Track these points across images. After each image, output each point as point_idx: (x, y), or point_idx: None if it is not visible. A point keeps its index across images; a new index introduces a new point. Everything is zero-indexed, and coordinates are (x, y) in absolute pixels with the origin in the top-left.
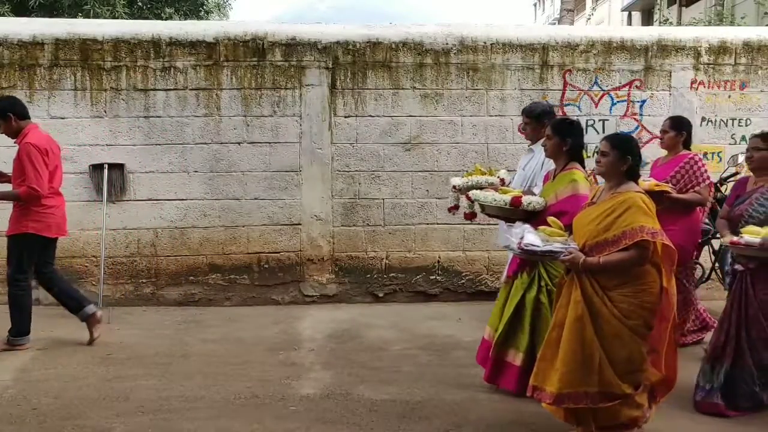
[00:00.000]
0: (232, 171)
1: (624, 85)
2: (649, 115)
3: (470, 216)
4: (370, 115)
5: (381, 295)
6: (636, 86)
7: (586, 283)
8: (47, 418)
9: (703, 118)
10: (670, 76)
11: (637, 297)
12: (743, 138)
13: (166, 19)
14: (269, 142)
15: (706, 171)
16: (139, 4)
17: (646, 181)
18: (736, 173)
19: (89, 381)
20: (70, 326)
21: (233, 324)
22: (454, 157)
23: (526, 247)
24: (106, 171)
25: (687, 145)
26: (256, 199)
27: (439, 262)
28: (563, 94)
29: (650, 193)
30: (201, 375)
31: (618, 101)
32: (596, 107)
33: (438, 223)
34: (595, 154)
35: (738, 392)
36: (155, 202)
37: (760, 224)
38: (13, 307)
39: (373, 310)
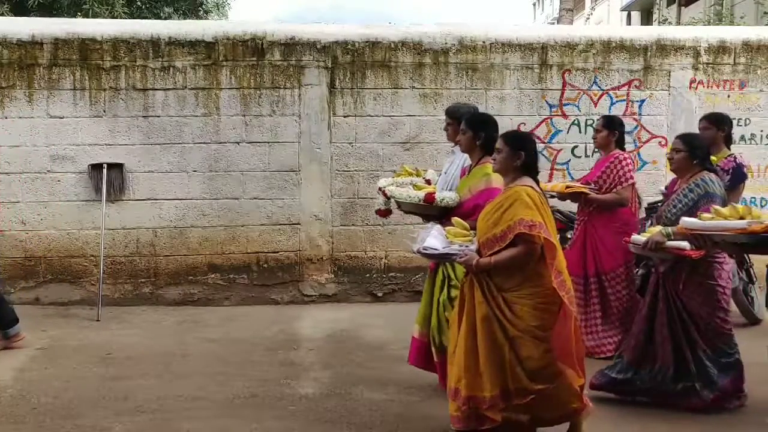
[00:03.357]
0: (231, 171)
1: (623, 85)
2: (648, 115)
3: (384, 213)
4: (369, 115)
5: (380, 294)
6: (635, 86)
7: (484, 284)
8: (46, 418)
9: None
10: (670, 75)
11: (532, 299)
12: (742, 138)
13: (165, 18)
14: (268, 142)
15: (629, 171)
16: (138, 3)
17: (559, 183)
18: None
19: (88, 381)
20: (69, 326)
21: (232, 324)
22: None
23: (424, 250)
24: (105, 171)
25: (620, 144)
26: (255, 198)
27: None
28: (562, 93)
29: (571, 194)
30: (200, 375)
31: (617, 101)
32: (595, 107)
33: None
34: (594, 155)
35: (675, 391)
36: (154, 201)
37: (671, 224)
38: None
39: (372, 309)
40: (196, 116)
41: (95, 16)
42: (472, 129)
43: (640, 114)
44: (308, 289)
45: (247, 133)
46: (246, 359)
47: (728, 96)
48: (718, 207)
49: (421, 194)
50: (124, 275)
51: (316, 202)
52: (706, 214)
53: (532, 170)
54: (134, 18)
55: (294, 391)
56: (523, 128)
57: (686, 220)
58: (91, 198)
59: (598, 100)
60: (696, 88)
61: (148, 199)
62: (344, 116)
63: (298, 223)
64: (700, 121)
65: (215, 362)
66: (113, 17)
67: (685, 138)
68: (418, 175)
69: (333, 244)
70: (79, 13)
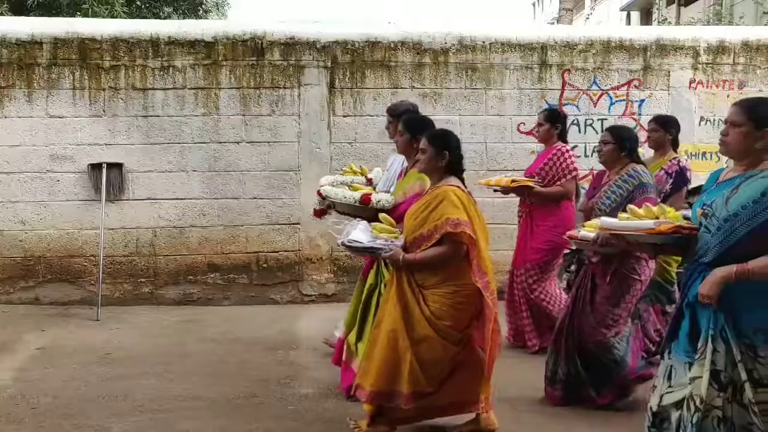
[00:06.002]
0: (231, 170)
1: (623, 85)
2: (647, 115)
3: (320, 213)
4: (369, 115)
5: None
6: (635, 86)
7: (404, 280)
8: (46, 418)
9: (702, 118)
10: (669, 75)
11: (451, 297)
12: None
13: (165, 18)
14: (268, 142)
15: (572, 163)
16: (138, 3)
17: (504, 178)
18: None
19: (88, 380)
20: (69, 326)
21: (232, 323)
22: None
23: (349, 243)
24: (104, 170)
25: (562, 137)
26: (254, 198)
27: None
28: (562, 93)
29: (515, 188)
30: (200, 374)
31: (617, 101)
32: (595, 107)
33: None
34: (594, 154)
35: (583, 384)
36: (154, 201)
37: (605, 216)
38: None
39: None
40: (196, 116)
41: (94, 15)
42: (409, 132)
43: (639, 114)
44: (308, 289)
45: (246, 132)
46: (246, 359)
47: (728, 96)
48: (634, 207)
49: (358, 195)
50: (124, 275)
51: (315, 201)
52: (623, 214)
53: (457, 170)
54: (134, 18)
55: (294, 391)
56: (522, 128)
57: (605, 220)
58: (91, 198)
59: (598, 99)
60: (695, 88)
61: (148, 199)
62: (344, 116)
63: (298, 223)
64: (649, 123)
65: (215, 362)
66: (113, 17)
67: (613, 130)
68: (362, 174)
69: (332, 243)
70: (79, 13)
